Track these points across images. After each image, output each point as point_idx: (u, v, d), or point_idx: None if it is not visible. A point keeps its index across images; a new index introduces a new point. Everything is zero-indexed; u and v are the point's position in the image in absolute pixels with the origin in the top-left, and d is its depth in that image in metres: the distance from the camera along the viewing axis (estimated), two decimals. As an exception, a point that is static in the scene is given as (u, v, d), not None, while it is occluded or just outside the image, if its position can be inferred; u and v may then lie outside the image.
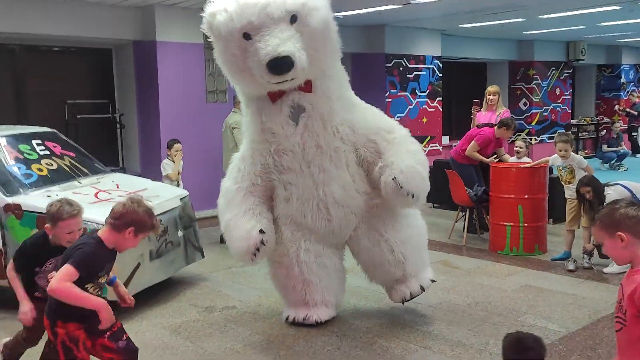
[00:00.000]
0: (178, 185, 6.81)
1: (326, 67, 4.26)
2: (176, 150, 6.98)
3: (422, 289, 4.69)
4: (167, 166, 6.95)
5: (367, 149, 4.36)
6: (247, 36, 3.91)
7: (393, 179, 4.14)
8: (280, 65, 3.83)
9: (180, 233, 5.56)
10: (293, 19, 3.91)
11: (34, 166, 5.36)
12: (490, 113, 8.09)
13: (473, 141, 7.34)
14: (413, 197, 4.19)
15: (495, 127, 7.36)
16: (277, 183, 4.42)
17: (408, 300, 4.69)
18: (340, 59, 4.43)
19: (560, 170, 6.41)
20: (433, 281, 4.82)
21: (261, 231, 4.27)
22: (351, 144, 4.36)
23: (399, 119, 11.70)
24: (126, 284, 4.77)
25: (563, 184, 6.43)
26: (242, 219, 4.33)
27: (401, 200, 4.26)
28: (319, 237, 4.49)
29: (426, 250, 4.88)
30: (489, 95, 8.12)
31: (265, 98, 4.23)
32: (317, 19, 3.98)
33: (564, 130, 6.64)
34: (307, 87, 4.18)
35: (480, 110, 8.19)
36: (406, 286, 4.64)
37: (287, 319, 4.70)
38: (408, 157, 4.26)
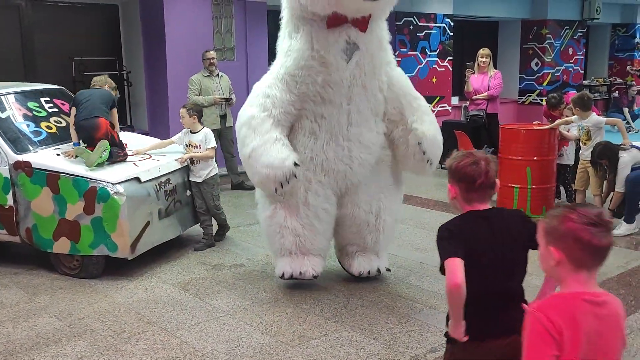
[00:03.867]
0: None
1: (387, 9, 4.24)
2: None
3: (379, 272, 4.73)
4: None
5: (394, 107, 4.44)
6: None
7: (418, 143, 4.33)
8: None
9: (188, 192, 5.60)
10: None
11: (43, 124, 5.37)
12: (482, 76, 8.11)
13: None
14: (430, 164, 4.42)
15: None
16: (308, 114, 4.27)
17: (365, 276, 4.68)
18: None
19: (579, 130, 6.40)
20: (388, 270, 4.83)
21: (296, 164, 4.14)
22: (384, 97, 4.42)
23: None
24: (136, 242, 4.84)
25: (581, 144, 6.42)
26: (272, 147, 4.15)
27: (418, 165, 4.45)
28: (330, 180, 4.42)
29: (393, 237, 4.97)
30: (481, 57, 8.13)
31: (321, 24, 4.07)
32: None
33: (580, 93, 6.55)
34: (364, 25, 4.10)
35: (473, 73, 8.16)
36: (369, 261, 4.68)
37: (282, 275, 4.51)
38: (431, 126, 4.45)
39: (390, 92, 4.41)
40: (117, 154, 5.13)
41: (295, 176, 4.16)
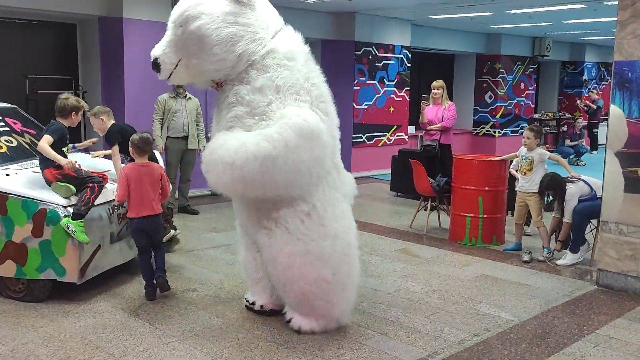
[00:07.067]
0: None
1: (216, 72, 4.15)
2: None
3: (294, 328, 4.29)
4: None
5: None
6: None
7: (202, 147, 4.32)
8: (153, 66, 4.25)
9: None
10: (177, 25, 4.18)
11: (-8, 142, 5.24)
12: (436, 107, 8.31)
13: None
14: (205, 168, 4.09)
15: None
16: None
17: (286, 320, 4.37)
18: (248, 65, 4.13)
19: (522, 160, 6.46)
20: (301, 332, 4.27)
21: None
22: None
23: (366, 107, 11.78)
24: (85, 266, 4.74)
25: (519, 174, 6.47)
26: None
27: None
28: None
29: (322, 306, 4.26)
30: (434, 89, 8.33)
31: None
32: (192, 28, 4.03)
33: (537, 125, 6.77)
34: (218, 86, 4.33)
35: (428, 105, 8.37)
36: (292, 313, 4.36)
37: (253, 303, 4.59)
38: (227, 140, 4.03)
39: None
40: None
41: None
